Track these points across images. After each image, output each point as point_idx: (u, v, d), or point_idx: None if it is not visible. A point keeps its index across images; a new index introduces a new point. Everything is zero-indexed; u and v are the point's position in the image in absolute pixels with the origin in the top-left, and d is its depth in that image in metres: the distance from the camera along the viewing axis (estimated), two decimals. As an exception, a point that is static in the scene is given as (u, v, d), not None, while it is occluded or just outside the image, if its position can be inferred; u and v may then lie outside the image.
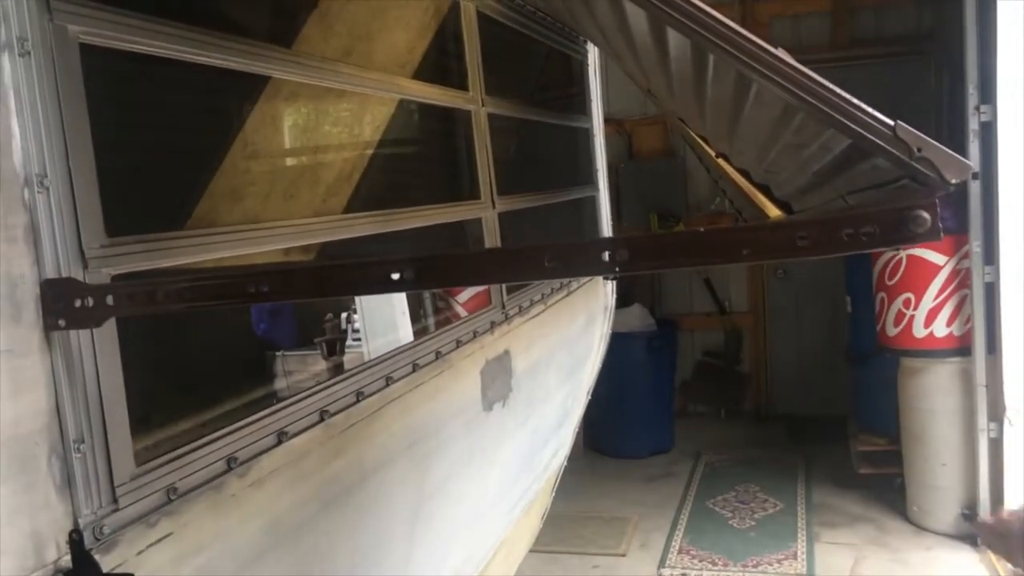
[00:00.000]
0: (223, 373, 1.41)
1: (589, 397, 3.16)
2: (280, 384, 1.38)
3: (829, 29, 6.09)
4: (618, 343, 5.45)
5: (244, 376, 1.37)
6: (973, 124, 4.02)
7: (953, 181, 0.67)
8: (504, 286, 1.90)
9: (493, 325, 1.83)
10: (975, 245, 4.02)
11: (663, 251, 0.76)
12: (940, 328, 4.22)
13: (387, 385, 1.44)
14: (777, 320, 6.36)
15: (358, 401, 1.35)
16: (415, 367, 1.51)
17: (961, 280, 4.16)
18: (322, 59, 1.49)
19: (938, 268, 4.19)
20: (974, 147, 4.01)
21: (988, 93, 3.96)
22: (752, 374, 6.46)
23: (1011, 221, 3.87)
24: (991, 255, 3.97)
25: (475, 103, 1.85)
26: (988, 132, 3.97)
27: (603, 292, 2.88)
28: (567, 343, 2.49)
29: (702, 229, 0.71)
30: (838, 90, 0.71)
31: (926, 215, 0.66)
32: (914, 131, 0.69)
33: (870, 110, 0.69)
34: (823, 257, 0.70)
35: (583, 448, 5.74)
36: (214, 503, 1.06)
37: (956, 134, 4.25)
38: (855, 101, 0.70)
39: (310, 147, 1.92)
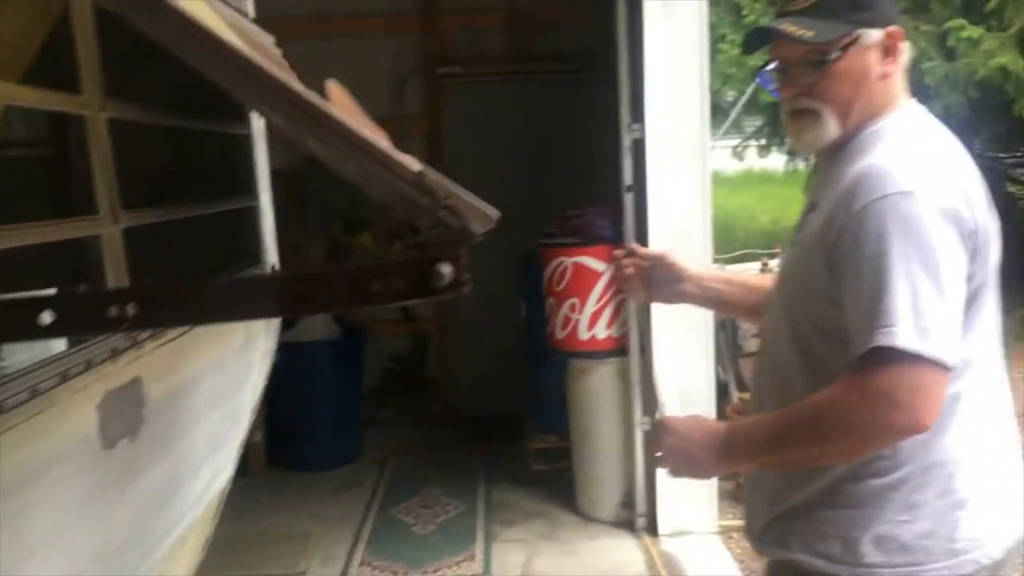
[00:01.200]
0: None
1: (254, 416, 3.01)
2: None
3: (504, 43, 6.33)
4: (301, 353, 5.33)
5: None
6: (626, 140, 4.35)
7: (479, 232, 0.66)
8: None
9: (116, 352, 1.66)
10: (630, 253, 4.34)
11: (174, 305, 0.69)
12: (601, 331, 4.51)
13: (-46, 436, 1.23)
14: (462, 324, 6.50)
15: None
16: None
17: (620, 286, 4.47)
18: None
19: (599, 274, 4.47)
20: (627, 161, 4.35)
21: (639, 112, 4.29)
22: (438, 378, 6.57)
23: (657, 231, 4.22)
24: (644, 263, 4.31)
25: (90, 107, 1.66)
26: (639, 148, 4.31)
27: (265, 306, 2.74)
28: (220, 364, 2.34)
29: (221, 279, 0.64)
30: (366, 135, 0.67)
31: (446, 269, 0.64)
32: (441, 178, 0.67)
33: (397, 155, 0.67)
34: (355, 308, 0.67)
35: (265, 465, 5.54)
36: None
37: (617, 149, 4.56)
38: (381, 145, 0.67)
39: None
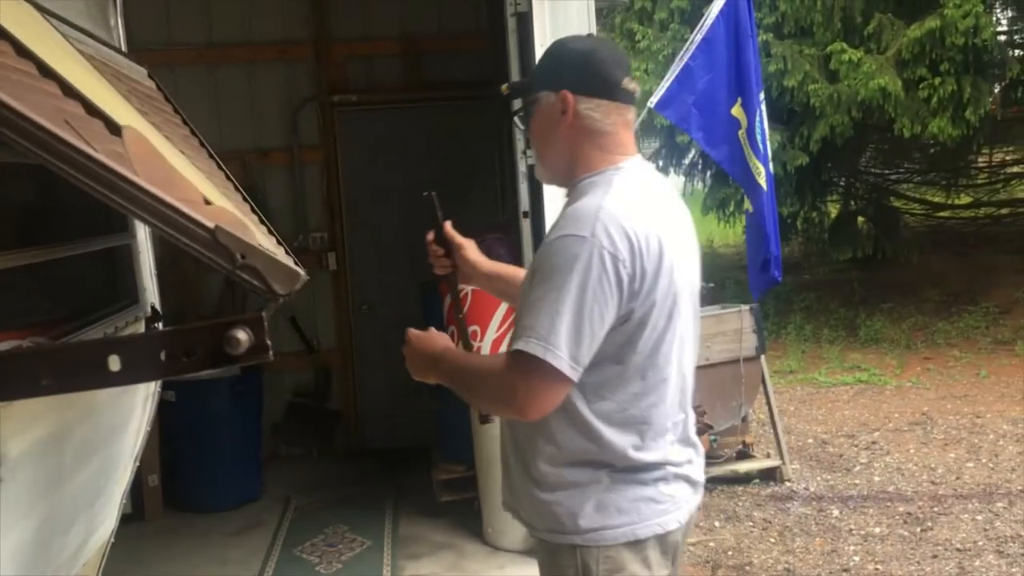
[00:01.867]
0: None
1: (138, 462, 2.88)
2: None
3: (400, 71, 6.30)
4: (197, 393, 5.16)
5: None
6: (522, 166, 4.34)
7: (282, 293, 0.62)
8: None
9: (-35, 409, 1.55)
10: (528, 278, 4.33)
11: None
12: (503, 357, 4.48)
13: None
14: (365, 355, 6.40)
15: None
16: None
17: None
18: None
19: (499, 301, 4.44)
20: (523, 187, 4.34)
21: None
22: (342, 411, 6.44)
23: (556, 256, 4.22)
24: (542, 287, 4.30)
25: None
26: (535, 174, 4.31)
27: (145, 348, 2.63)
28: (93, 413, 2.22)
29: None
30: (153, 190, 0.63)
31: (242, 336, 0.60)
32: (238, 236, 0.62)
33: (189, 212, 0.62)
34: (141, 383, 0.62)
35: (163, 508, 5.33)
36: None
37: (514, 174, 4.56)
38: (172, 202, 0.62)
39: None
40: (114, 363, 0.57)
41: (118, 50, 2.53)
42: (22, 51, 1.34)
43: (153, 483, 5.25)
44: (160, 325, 2.72)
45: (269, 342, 0.58)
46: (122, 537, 2.95)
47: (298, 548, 4.76)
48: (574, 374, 1.75)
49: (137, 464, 2.85)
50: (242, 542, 4.91)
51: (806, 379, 8.08)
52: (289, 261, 0.61)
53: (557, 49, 1.99)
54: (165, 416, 4.75)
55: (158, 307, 2.80)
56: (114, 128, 1.26)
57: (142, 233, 2.73)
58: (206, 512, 5.33)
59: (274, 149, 6.25)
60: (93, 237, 2.35)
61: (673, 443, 1.92)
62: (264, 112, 6.26)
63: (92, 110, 1.29)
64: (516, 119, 2.22)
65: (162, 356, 0.58)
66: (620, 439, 1.84)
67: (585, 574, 1.87)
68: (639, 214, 1.81)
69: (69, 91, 1.29)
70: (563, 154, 1.96)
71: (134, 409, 2.63)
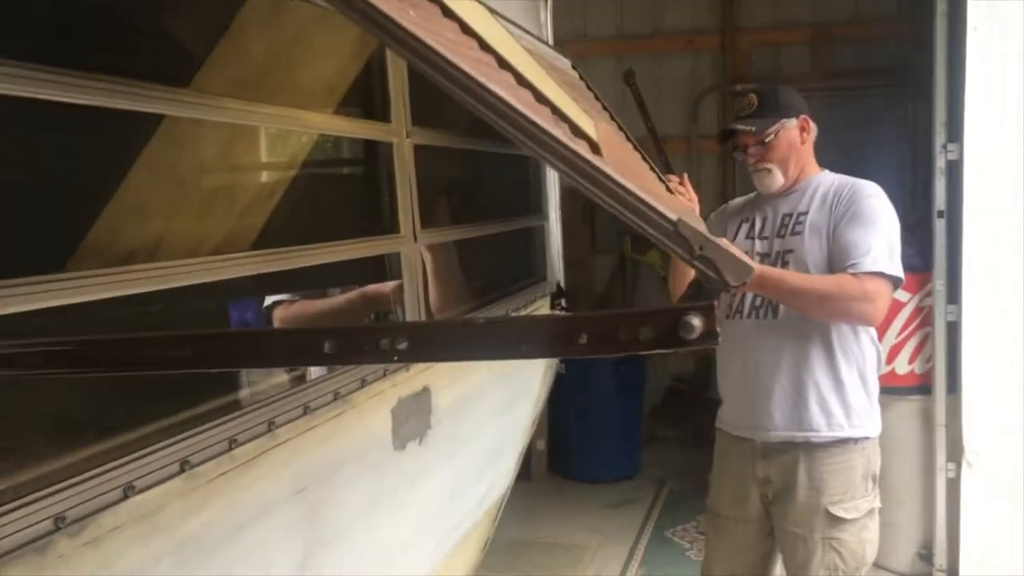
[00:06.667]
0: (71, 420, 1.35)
1: (535, 427, 3.11)
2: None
3: (808, 59, 6.09)
4: (586, 368, 5.43)
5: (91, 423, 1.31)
6: (940, 162, 3.98)
7: (733, 284, 0.64)
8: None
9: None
10: (938, 284, 3.98)
11: (441, 342, 0.72)
12: (902, 365, 4.18)
13: (269, 431, 1.39)
14: (749, 348, 6.31)
15: (231, 449, 1.30)
16: (306, 410, 1.46)
17: (924, 318, 4.12)
18: (220, 97, 1.44)
19: (901, 305, 4.15)
20: (940, 184, 3.99)
21: (955, 131, 3.92)
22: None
23: (975, 261, 3.83)
24: (955, 294, 3.93)
25: (398, 135, 1.80)
26: (955, 170, 3.93)
27: (550, 322, 2.84)
28: (502, 378, 2.44)
29: (482, 320, 0.67)
30: (628, 184, 0.67)
31: (696, 322, 0.62)
32: (697, 228, 0.65)
33: (655, 204, 0.65)
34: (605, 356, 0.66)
35: (547, 472, 5.70)
36: (37, 566, 1.00)
37: (926, 168, 4.23)
38: (642, 195, 0.66)
39: (224, 166, 1.86)
40: (582, 338, 0.63)
41: (547, 43, 2.73)
42: (484, 46, 1.51)
43: (541, 447, 5.63)
44: (564, 301, 2.91)
45: (719, 329, 0.61)
46: (512, 493, 3.21)
47: (670, 530, 4.85)
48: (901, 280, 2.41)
49: (533, 429, 3.08)
50: (617, 516, 5.11)
51: None
52: (740, 254, 0.64)
53: (778, 88, 2.66)
54: (555, 387, 5.07)
55: (563, 285, 3.00)
56: (572, 125, 1.37)
57: (553, 215, 2.94)
58: (585, 482, 5.62)
59: (672, 137, 6.36)
60: (514, 217, 2.58)
61: None
62: (666, 101, 6.39)
63: (540, 97, 1.41)
64: (740, 149, 2.59)
65: (621, 335, 0.63)
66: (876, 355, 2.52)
67: (869, 462, 2.62)
68: None
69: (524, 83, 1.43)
70: (797, 161, 2.57)
71: (535, 378, 2.85)
